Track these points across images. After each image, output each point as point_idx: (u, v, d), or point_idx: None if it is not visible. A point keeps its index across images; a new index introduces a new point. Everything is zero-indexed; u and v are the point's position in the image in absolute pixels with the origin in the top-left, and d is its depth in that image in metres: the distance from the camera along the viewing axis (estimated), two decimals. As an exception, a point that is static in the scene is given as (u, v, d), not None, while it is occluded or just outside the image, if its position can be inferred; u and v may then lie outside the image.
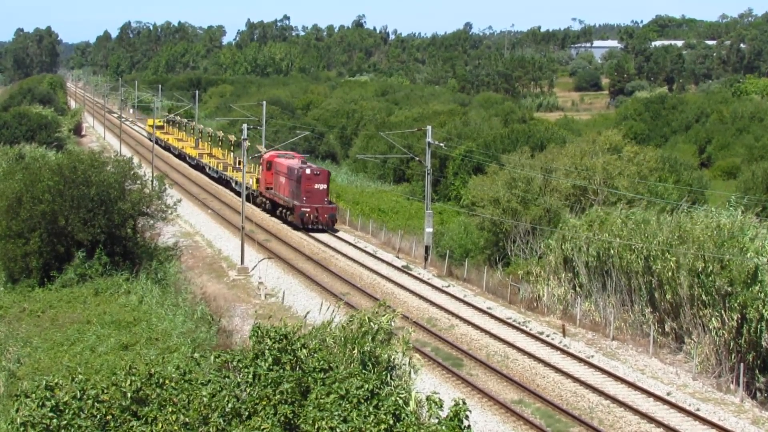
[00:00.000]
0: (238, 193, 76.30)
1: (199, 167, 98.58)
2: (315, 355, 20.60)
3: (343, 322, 23.09)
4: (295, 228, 66.02)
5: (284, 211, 68.50)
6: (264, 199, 73.49)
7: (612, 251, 44.14)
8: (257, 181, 74.08)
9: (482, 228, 59.26)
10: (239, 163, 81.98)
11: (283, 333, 20.54)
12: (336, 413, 18.04)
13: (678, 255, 40.03)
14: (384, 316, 23.17)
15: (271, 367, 19.68)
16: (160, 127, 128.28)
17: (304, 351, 20.44)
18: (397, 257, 59.84)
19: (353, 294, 49.18)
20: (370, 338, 22.20)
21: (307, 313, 38.64)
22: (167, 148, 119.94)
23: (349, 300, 46.28)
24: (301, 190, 64.72)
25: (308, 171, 65.00)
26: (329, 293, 49.34)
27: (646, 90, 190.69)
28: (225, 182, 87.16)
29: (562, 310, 47.25)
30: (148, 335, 33.85)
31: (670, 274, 40.45)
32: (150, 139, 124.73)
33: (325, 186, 64.99)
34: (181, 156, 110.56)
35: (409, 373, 22.71)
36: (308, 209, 64.70)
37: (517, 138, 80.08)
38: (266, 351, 20.13)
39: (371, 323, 22.41)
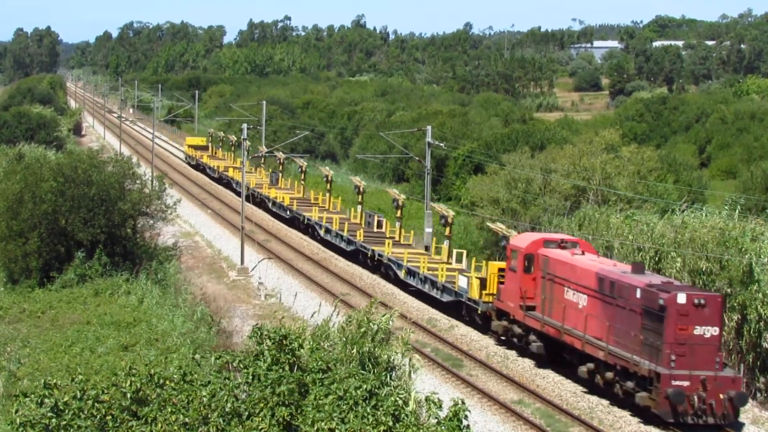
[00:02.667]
0: (408, 287, 49.74)
1: (306, 225, 64.93)
2: (313, 354, 20.63)
3: (342, 323, 23.11)
4: (639, 413, 32.65)
5: (610, 375, 33.29)
6: (514, 327, 38.95)
7: (615, 252, 44.06)
8: (481, 283, 41.41)
9: (482, 228, 59.23)
10: (378, 225, 59.56)
11: (283, 334, 20.58)
12: (335, 414, 18.07)
13: (682, 256, 40.01)
14: (383, 315, 23.19)
15: (270, 367, 19.72)
16: (203, 148, 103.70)
17: (303, 351, 20.48)
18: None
19: (353, 294, 49.18)
20: (369, 338, 22.23)
21: (313, 314, 38.66)
22: (224, 181, 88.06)
23: (349, 300, 46.29)
24: (668, 340, 31.42)
25: (683, 298, 31.43)
26: (329, 294, 49.34)
27: (646, 90, 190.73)
28: (382, 268, 53.07)
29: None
30: (148, 336, 33.89)
31: (673, 274, 40.42)
32: (189, 163, 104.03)
33: (717, 330, 31.87)
34: (258, 201, 75.07)
35: (409, 373, 22.73)
36: (686, 382, 31.28)
37: (517, 138, 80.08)
38: (265, 351, 20.18)
39: (370, 324, 22.43)
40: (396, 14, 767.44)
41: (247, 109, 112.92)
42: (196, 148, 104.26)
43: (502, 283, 39.93)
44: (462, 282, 43.45)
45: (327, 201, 68.23)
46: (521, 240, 39.45)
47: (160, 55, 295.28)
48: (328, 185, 68.24)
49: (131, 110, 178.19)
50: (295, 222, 67.34)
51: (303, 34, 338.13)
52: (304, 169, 73.65)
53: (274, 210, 71.65)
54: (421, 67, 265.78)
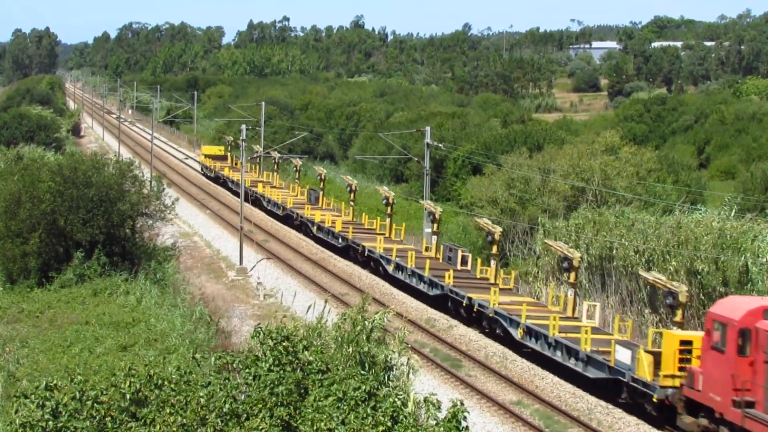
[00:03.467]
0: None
1: (367, 258, 54.64)
2: (314, 355, 20.61)
3: (338, 321, 23.09)
4: None
5: None
6: (723, 430, 28.70)
7: (614, 252, 44.13)
8: (654, 362, 31.17)
9: (480, 228, 59.25)
10: (463, 261, 49.32)
11: (285, 335, 20.57)
12: (334, 415, 18.06)
13: (678, 257, 40.04)
14: (377, 314, 23.17)
15: (271, 368, 19.70)
16: (221, 158, 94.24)
17: (307, 353, 20.45)
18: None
19: (352, 294, 49.17)
20: (364, 337, 22.19)
21: (309, 307, 38.67)
22: (251, 197, 74.62)
23: (348, 300, 46.28)
24: None
25: None
26: (328, 294, 49.30)
27: (645, 91, 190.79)
28: (484, 322, 42.12)
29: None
30: (147, 336, 33.89)
31: (669, 276, 40.47)
32: (206, 175, 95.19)
33: None
34: (298, 224, 66.37)
35: (407, 373, 22.71)
36: None
37: (515, 139, 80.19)
38: (267, 352, 20.16)
39: (365, 321, 22.40)
40: (395, 15, 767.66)
41: (246, 109, 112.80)
42: (214, 158, 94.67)
43: (687, 360, 29.96)
44: (622, 355, 32.44)
45: (387, 228, 58.25)
46: (730, 308, 28.76)
47: (159, 56, 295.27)
48: (389, 208, 57.80)
49: (130, 111, 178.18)
50: (349, 252, 57.36)
51: (302, 34, 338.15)
52: (354, 188, 63.02)
53: (320, 236, 61.28)
54: (420, 68, 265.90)
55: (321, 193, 70.07)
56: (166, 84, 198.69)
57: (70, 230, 45.62)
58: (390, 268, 50.82)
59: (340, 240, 58.17)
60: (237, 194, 77.10)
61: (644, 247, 42.14)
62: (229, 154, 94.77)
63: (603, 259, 45.28)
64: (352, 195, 63.81)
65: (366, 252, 54.17)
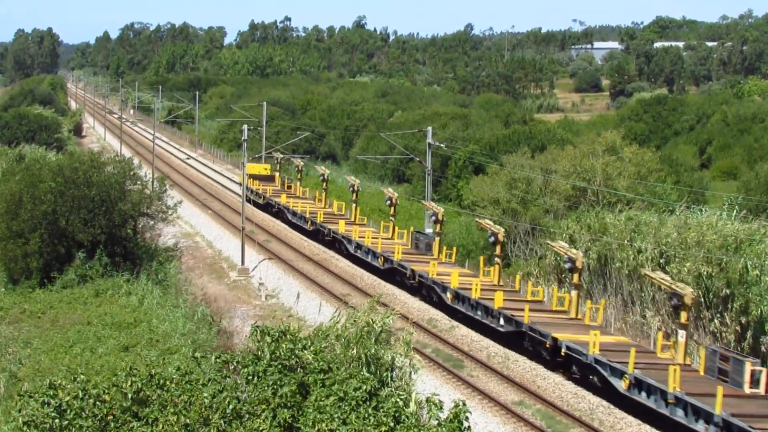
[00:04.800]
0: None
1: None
2: (316, 355, 20.61)
3: (345, 323, 23.12)
4: None
5: None
6: None
7: (616, 253, 44.05)
8: None
9: (482, 228, 59.22)
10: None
11: (281, 330, 20.60)
12: (335, 415, 18.05)
13: (690, 258, 39.99)
14: (383, 315, 23.19)
15: (270, 363, 19.69)
16: (267, 179, 78.38)
17: (306, 352, 20.45)
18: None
19: (354, 295, 49.14)
20: (373, 339, 22.21)
21: (322, 307, 38.67)
22: (325, 236, 60.20)
23: (350, 301, 46.26)
24: None
25: None
26: (330, 294, 49.32)
27: (647, 91, 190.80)
28: None
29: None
30: (149, 336, 33.92)
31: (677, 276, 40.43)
32: (252, 201, 72.59)
33: None
34: (431, 297, 46.62)
35: (410, 373, 22.71)
36: None
37: (518, 139, 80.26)
38: (265, 348, 20.18)
39: (374, 324, 22.42)
40: (397, 15, 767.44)
41: (248, 110, 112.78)
42: (260, 179, 78.21)
43: None
44: None
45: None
46: None
47: (161, 56, 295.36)
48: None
49: (132, 111, 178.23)
50: (525, 340, 38.54)
51: (303, 35, 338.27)
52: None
53: (458, 308, 43.43)
54: (422, 68, 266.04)
55: (437, 238, 52.45)
56: (167, 84, 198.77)
57: (71, 230, 45.67)
58: (625, 386, 31.75)
59: (502, 320, 39.68)
60: (302, 230, 64.75)
61: (651, 249, 42.07)
62: (277, 174, 79.69)
63: (603, 260, 45.22)
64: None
65: (561, 346, 35.45)
